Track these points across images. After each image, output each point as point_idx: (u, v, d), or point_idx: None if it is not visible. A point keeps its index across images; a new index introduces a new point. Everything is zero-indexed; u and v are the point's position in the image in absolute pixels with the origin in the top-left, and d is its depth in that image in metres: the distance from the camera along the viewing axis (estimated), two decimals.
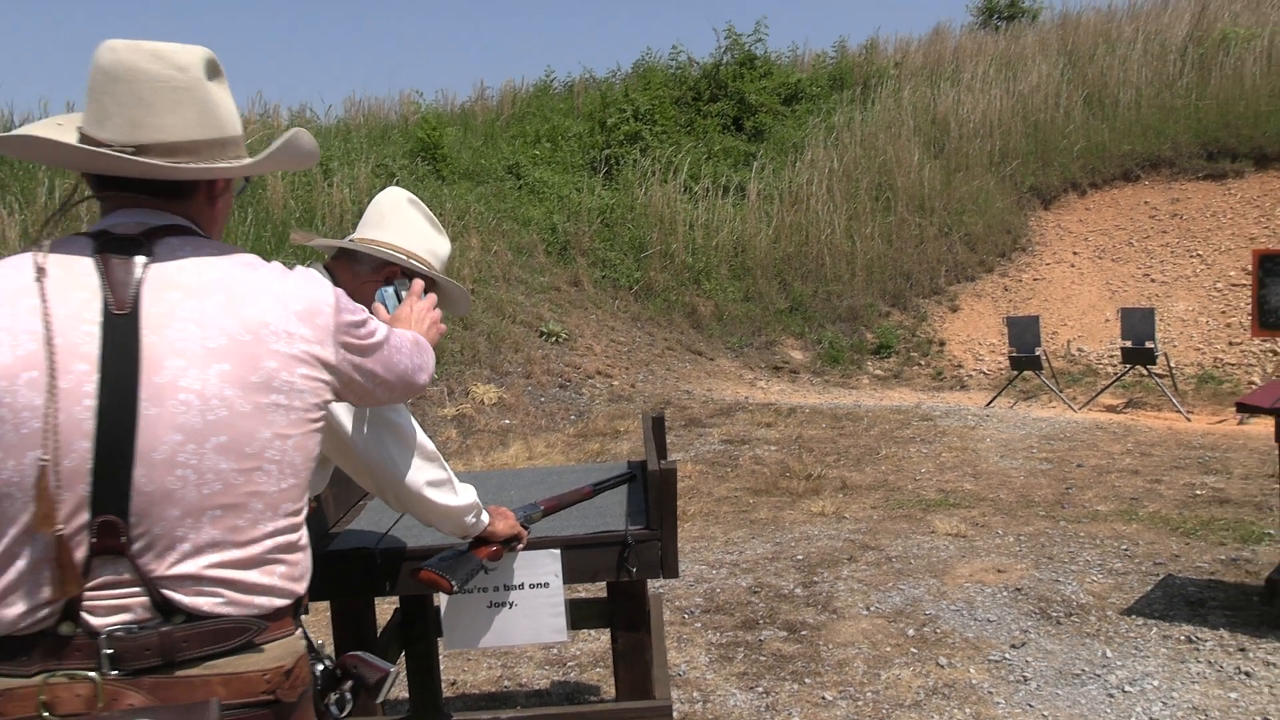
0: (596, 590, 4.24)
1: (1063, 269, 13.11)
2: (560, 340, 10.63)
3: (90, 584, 1.25)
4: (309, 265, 2.22)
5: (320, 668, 1.56)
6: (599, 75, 18.60)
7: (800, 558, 5.09)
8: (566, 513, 2.68)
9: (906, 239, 13.50)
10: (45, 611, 1.25)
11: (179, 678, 1.27)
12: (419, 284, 2.08)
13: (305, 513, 1.44)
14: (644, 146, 14.60)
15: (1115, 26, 17.99)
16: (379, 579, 2.46)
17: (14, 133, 1.41)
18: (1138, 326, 9.33)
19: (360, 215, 2.38)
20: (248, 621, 1.32)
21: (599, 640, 4.12)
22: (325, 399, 1.44)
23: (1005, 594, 4.43)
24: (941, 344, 12.34)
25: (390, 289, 2.16)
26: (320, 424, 1.44)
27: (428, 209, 2.39)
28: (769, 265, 13.01)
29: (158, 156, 1.37)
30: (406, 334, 1.71)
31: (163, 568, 1.27)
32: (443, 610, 2.47)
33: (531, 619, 2.49)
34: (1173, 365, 10.31)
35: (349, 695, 1.60)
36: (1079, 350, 11.71)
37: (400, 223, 2.32)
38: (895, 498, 6.28)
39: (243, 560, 1.32)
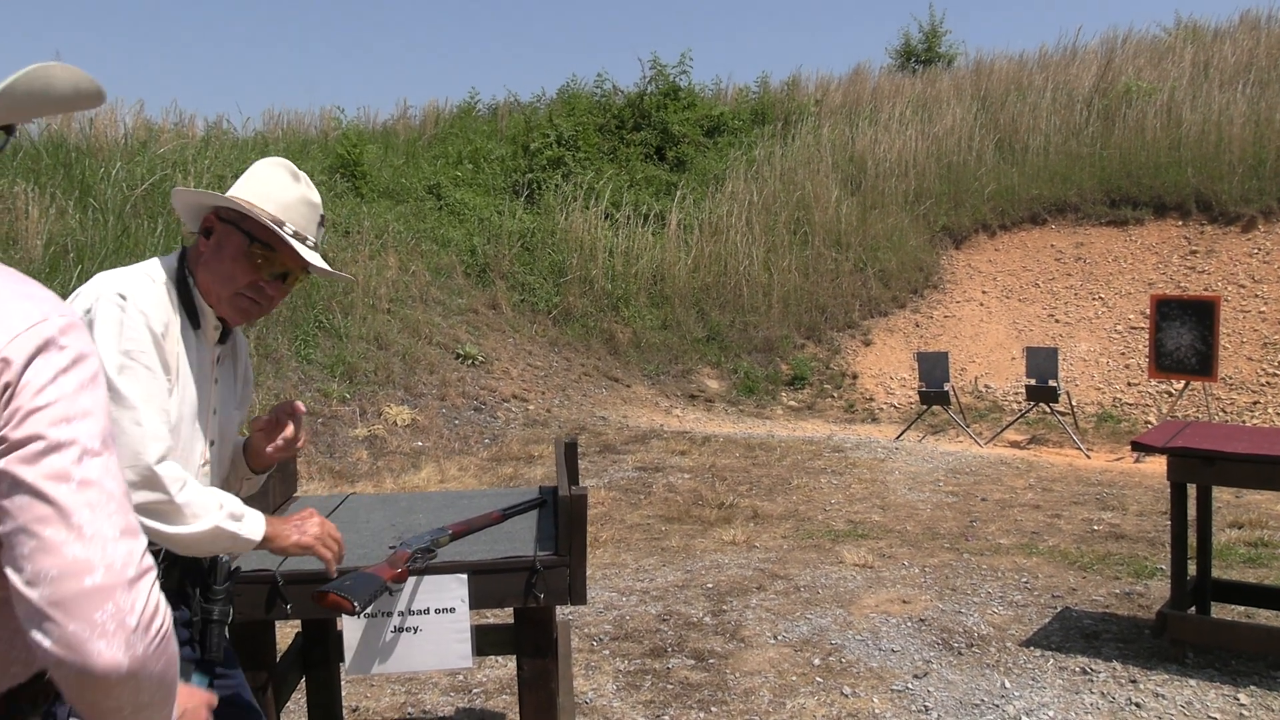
0: (503, 616, 4.19)
1: (972, 307, 13.45)
2: (476, 363, 10.55)
3: None
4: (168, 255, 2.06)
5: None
6: (524, 99, 18.63)
7: (710, 586, 5.11)
8: (475, 537, 2.65)
9: (823, 273, 13.73)
10: None
11: None
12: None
13: None
14: (566, 172, 14.63)
15: (1026, 74, 18.60)
16: (280, 601, 2.40)
17: None
18: (1042, 365, 9.61)
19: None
20: None
21: (505, 666, 4.07)
22: None
23: (909, 624, 4.50)
24: (854, 377, 12.55)
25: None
26: None
27: (301, 172, 2.15)
28: (687, 294, 13.11)
29: None
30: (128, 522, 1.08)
31: None
32: (345, 634, 2.42)
33: (437, 644, 2.45)
34: (1074, 403, 10.63)
35: None
36: (986, 387, 12.01)
37: (248, 178, 2.10)
38: (805, 528, 6.35)
39: None
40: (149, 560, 1.09)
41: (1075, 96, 16.45)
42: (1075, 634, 4.35)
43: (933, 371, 10.01)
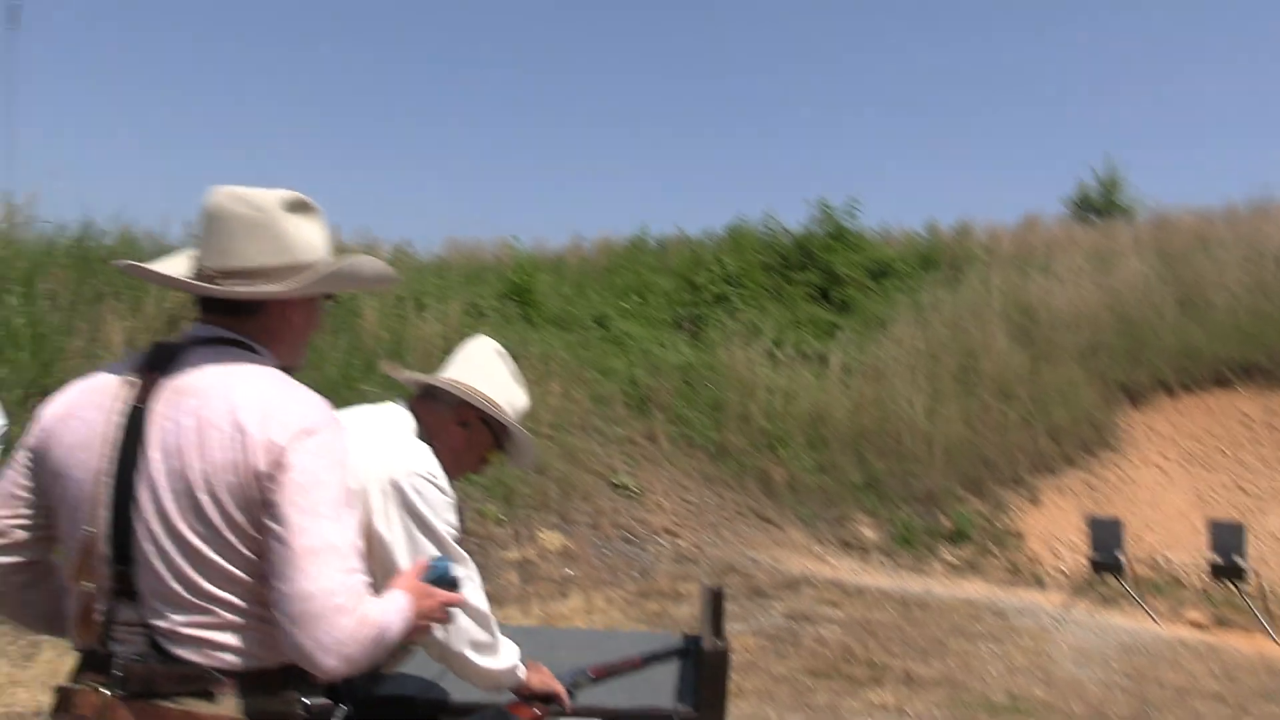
0: None
1: (1150, 471, 12.74)
2: (630, 494, 10.58)
3: (116, 621, 1.56)
4: (393, 402, 2.27)
5: None
6: (692, 234, 19.05)
7: None
8: (614, 683, 2.60)
9: (988, 424, 13.28)
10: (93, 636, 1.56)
11: (155, 705, 1.53)
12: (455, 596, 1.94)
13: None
14: (730, 308, 14.80)
15: (1212, 229, 17.88)
16: None
17: (127, 263, 1.77)
18: (1226, 541, 8.95)
19: (448, 355, 2.44)
20: (209, 673, 1.54)
21: None
22: (257, 513, 1.54)
23: None
24: (1019, 536, 11.97)
25: (445, 564, 1.90)
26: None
27: (514, 363, 2.44)
28: (846, 438, 12.88)
29: (237, 280, 1.67)
30: (358, 594, 1.56)
31: (155, 619, 1.54)
32: None
33: None
34: (1265, 585, 9.82)
35: None
36: (1164, 559, 11.25)
37: (485, 369, 2.36)
38: (961, 697, 6.00)
39: (206, 623, 1.55)
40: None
41: (1265, 253, 15.69)
42: None
43: (1105, 538, 9.45)
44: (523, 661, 2.26)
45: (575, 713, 2.37)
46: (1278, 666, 7.15)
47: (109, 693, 1.53)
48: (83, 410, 1.61)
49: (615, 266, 17.19)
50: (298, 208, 1.73)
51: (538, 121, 58.36)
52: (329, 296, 1.83)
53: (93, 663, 1.57)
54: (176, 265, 1.74)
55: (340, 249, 14.60)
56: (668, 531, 10.18)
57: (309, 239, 1.73)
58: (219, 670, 1.55)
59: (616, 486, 10.58)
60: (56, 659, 5.28)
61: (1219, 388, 13.61)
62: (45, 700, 4.57)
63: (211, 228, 1.69)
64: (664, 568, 9.23)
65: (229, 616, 1.56)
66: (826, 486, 12.22)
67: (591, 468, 10.71)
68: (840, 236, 17.17)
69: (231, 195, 1.69)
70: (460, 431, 2.28)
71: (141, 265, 1.73)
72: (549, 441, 10.72)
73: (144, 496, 1.54)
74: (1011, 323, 14.92)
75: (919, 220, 27.03)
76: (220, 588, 1.55)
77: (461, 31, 60.56)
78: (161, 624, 1.54)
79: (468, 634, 2.09)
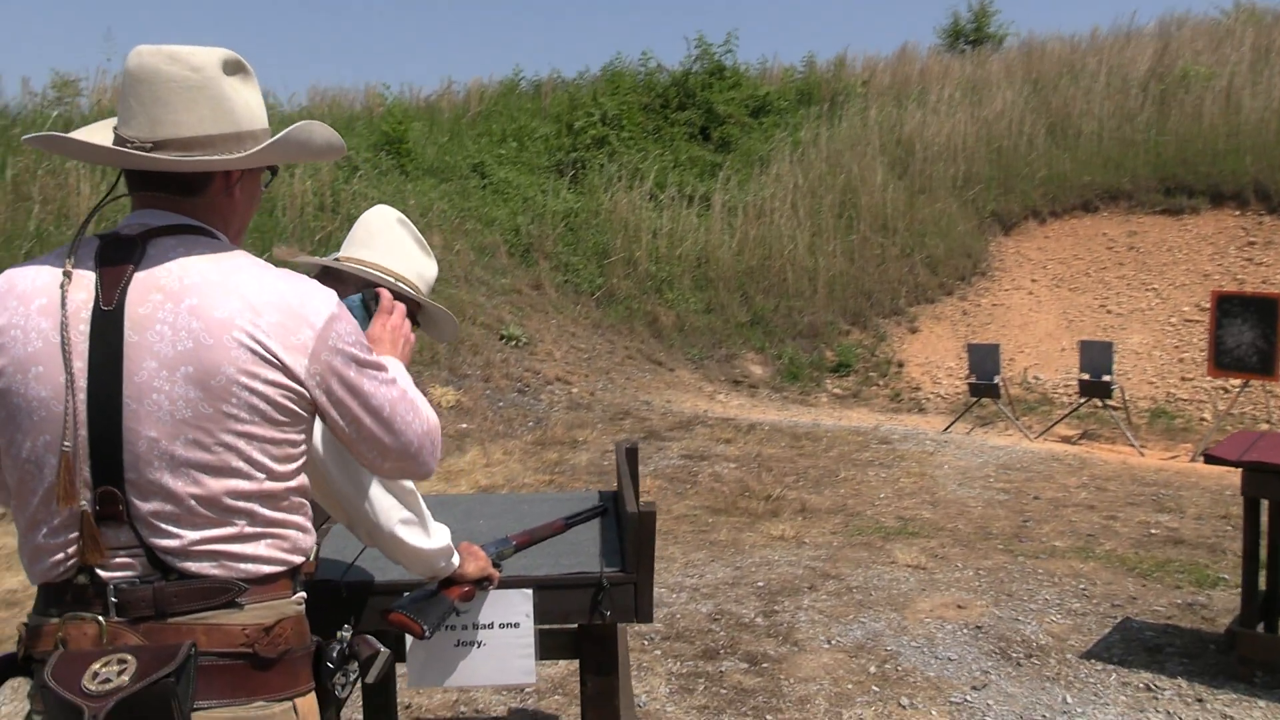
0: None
1: (1021, 295, 13.24)
2: (520, 344, 10.52)
3: (105, 546, 1.46)
4: None
5: (337, 648, 1.68)
6: (567, 76, 18.50)
7: (761, 584, 5.05)
8: (538, 549, 2.60)
9: (868, 258, 13.56)
10: (66, 566, 1.46)
11: (169, 624, 1.45)
12: (387, 297, 2.00)
13: (296, 504, 1.56)
14: (611, 151, 14.54)
15: (1079, 57, 18.22)
16: (344, 613, 2.35)
17: (42, 135, 1.57)
18: (1096, 359, 9.43)
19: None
20: (230, 583, 1.47)
21: (557, 666, 4.04)
22: (297, 410, 1.51)
23: (966, 632, 4.42)
24: (900, 365, 12.40)
25: (357, 298, 2.04)
26: (301, 431, 1.54)
27: (416, 230, 2.31)
28: (731, 278, 13.00)
29: (174, 151, 1.49)
30: (426, 418, 1.73)
31: (157, 538, 1.45)
32: (408, 648, 2.38)
33: (499, 659, 2.40)
34: (1127, 398, 10.44)
35: (352, 675, 1.70)
36: (1035, 378, 11.83)
37: (388, 243, 2.25)
38: (855, 523, 6.26)
39: (224, 537, 1.47)
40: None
41: (1130, 81, 16.11)
42: (1137, 646, 4.24)
43: (984, 363, 9.86)
44: (455, 546, 2.22)
45: (504, 585, 2.35)
46: (1140, 474, 7.65)
47: (104, 620, 1.44)
48: (23, 318, 1.45)
49: (490, 112, 16.61)
50: (236, 69, 1.55)
51: None
52: (272, 171, 1.70)
53: (72, 593, 1.46)
54: (98, 135, 1.55)
55: None
56: (560, 380, 10.20)
57: (250, 104, 1.57)
58: (241, 580, 1.49)
59: (505, 338, 10.50)
60: None
61: (1085, 213, 14.10)
62: None
63: (140, 93, 1.49)
64: (559, 416, 9.28)
65: (248, 527, 1.49)
66: (714, 326, 12.38)
67: (479, 320, 10.58)
68: (719, 74, 16.89)
69: (163, 54, 1.49)
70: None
71: (59, 135, 1.54)
72: (433, 296, 10.50)
73: (143, 411, 1.41)
74: (889, 156, 15.08)
75: (798, 55, 26.77)
76: (241, 499, 1.47)
77: None
78: (169, 543, 1.45)
79: (395, 512, 2.03)
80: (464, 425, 8.78)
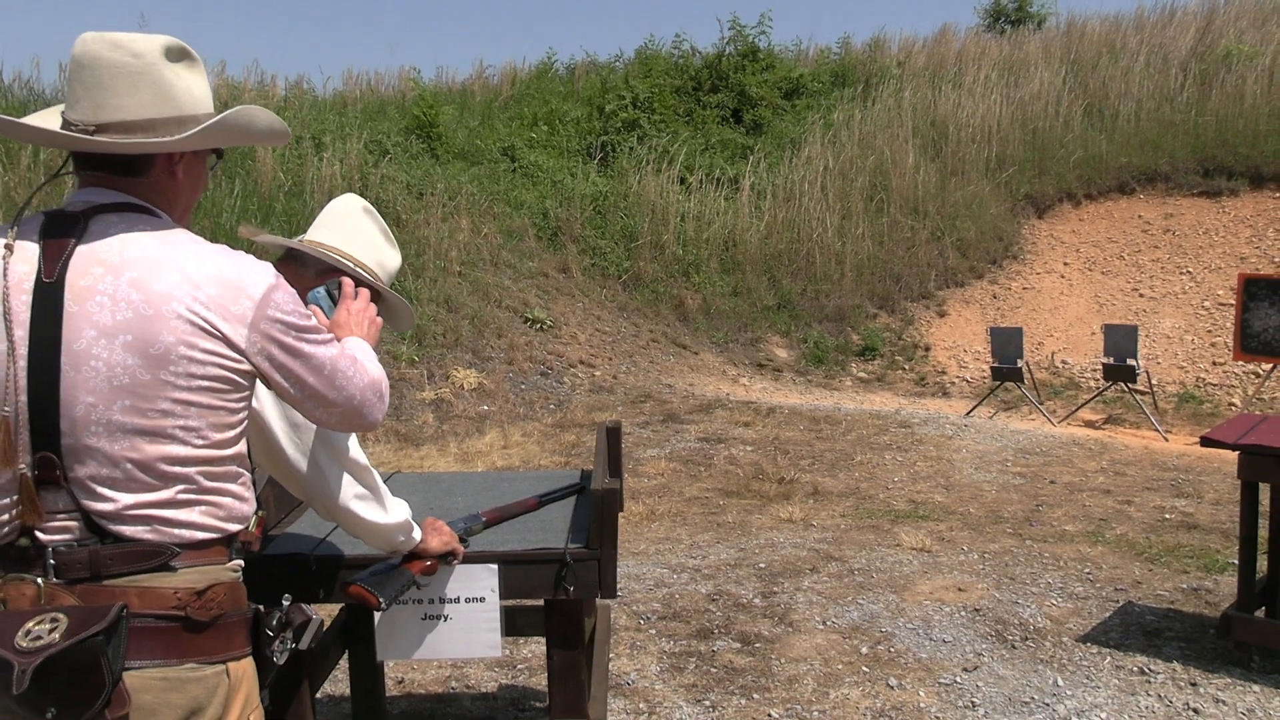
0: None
1: (1052, 279, 13.09)
2: (545, 327, 10.59)
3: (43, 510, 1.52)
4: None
5: (276, 615, 1.76)
6: (601, 59, 18.49)
7: (763, 566, 5.07)
8: (508, 525, 2.64)
9: (898, 241, 13.46)
10: (9, 528, 1.52)
11: (104, 586, 1.52)
12: (349, 284, 2.06)
13: (232, 473, 1.62)
14: (641, 134, 14.52)
15: (1120, 37, 17.90)
16: (314, 586, 2.42)
17: None
18: (1120, 343, 9.31)
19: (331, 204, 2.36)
20: (163, 547, 1.54)
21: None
22: (236, 379, 1.58)
23: (963, 614, 4.41)
24: (926, 349, 12.32)
25: (322, 289, 2.14)
26: (239, 400, 1.61)
27: (382, 220, 2.36)
28: (759, 261, 12.96)
29: (116, 134, 1.55)
30: (368, 371, 1.81)
31: (93, 502, 1.51)
32: (375, 621, 2.44)
33: (465, 633, 2.45)
34: (1154, 383, 10.30)
35: (289, 642, 1.79)
36: (1063, 362, 11.70)
37: (351, 229, 2.29)
38: (865, 507, 6.26)
39: (159, 501, 1.54)
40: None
41: (1171, 60, 15.81)
42: (1136, 631, 4.22)
43: (1006, 347, 9.77)
44: (418, 522, 2.27)
45: (467, 560, 2.40)
46: (1161, 459, 7.57)
47: (42, 582, 1.51)
48: None
49: (522, 96, 16.66)
50: (179, 56, 1.62)
51: None
52: (217, 154, 1.76)
53: (14, 555, 1.53)
54: (49, 119, 1.62)
55: (231, 89, 13.79)
56: (583, 363, 10.26)
57: (192, 90, 1.63)
58: (175, 545, 1.55)
59: (530, 321, 10.57)
60: None
61: (1121, 195, 13.89)
62: None
63: (84, 78, 1.56)
64: (580, 399, 9.34)
65: (183, 493, 1.56)
66: (740, 310, 12.36)
67: (504, 303, 10.65)
68: (752, 56, 16.79)
69: (106, 41, 1.56)
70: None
71: (10, 119, 1.61)
72: (459, 279, 10.60)
73: (80, 378, 1.48)
74: (922, 138, 14.93)
75: (834, 36, 26.50)
76: (177, 465, 1.54)
77: None
78: (104, 506, 1.52)
79: (350, 488, 2.09)
80: (485, 407, 8.87)
